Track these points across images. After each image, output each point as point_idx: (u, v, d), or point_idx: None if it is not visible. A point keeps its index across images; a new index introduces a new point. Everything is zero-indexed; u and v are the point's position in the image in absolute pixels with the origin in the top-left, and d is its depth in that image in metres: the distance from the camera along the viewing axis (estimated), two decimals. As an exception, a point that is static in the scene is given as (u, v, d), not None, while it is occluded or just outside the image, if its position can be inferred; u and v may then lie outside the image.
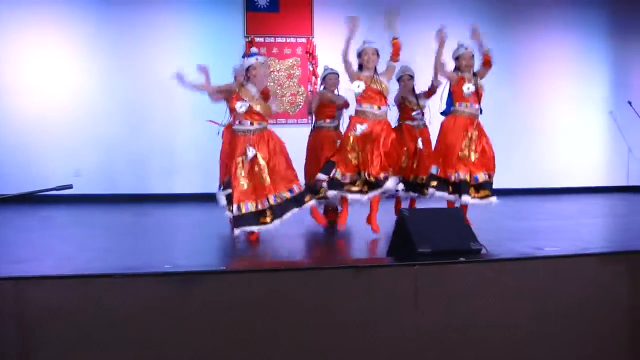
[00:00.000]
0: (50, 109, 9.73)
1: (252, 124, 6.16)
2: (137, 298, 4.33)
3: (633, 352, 5.11)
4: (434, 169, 6.79)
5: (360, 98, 6.44)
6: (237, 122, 6.24)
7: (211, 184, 7.77)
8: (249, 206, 6.04)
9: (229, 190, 6.17)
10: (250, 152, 6.06)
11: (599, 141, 11.65)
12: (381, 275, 4.73)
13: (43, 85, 9.76)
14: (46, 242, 6.36)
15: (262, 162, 6.08)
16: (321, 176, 6.44)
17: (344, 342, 4.56)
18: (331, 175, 6.36)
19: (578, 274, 5.03)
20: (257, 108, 6.13)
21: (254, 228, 6.06)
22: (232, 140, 6.33)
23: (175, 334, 4.35)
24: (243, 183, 6.07)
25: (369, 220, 6.55)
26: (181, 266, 4.76)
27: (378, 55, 6.53)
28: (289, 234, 6.49)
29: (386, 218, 6.48)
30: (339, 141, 6.82)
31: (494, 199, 6.70)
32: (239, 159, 6.10)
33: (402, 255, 4.97)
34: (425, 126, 7.64)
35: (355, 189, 6.40)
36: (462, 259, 4.84)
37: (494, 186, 6.84)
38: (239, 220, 6.03)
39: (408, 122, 7.63)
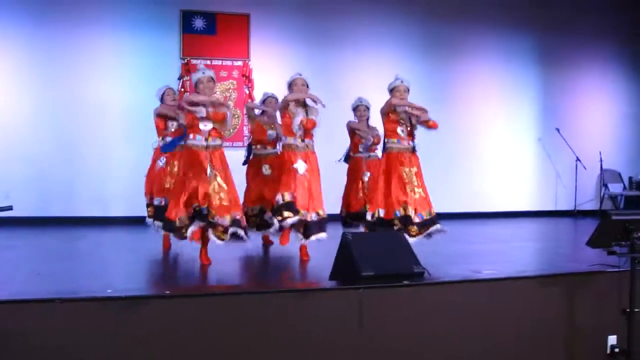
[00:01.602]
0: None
1: (206, 139, 6.11)
2: (77, 324, 4.21)
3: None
4: (380, 212, 6.63)
5: (287, 132, 6.53)
6: (191, 136, 6.14)
7: (144, 207, 7.63)
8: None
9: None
10: (210, 170, 6.02)
11: (529, 167, 11.96)
12: (326, 299, 4.73)
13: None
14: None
15: (221, 181, 6.05)
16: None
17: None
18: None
19: (517, 295, 5.15)
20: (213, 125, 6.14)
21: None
22: (185, 154, 6.23)
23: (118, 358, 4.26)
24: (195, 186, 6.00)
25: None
26: (121, 290, 4.65)
27: (307, 86, 6.61)
28: (230, 258, 6.45)
29: (325, 243, 6.44)
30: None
31: (437, 225, 6.61)
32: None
33: (346, 279, 4.98)
34: (376, 158, 7.66)
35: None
36: (405, 282, 4.89)
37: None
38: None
39: (358, 155, 7.74)
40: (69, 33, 9.74)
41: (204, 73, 6.27)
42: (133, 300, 4.39)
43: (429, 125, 6.68)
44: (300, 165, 6.39)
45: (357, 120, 7.80)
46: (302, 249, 6.53)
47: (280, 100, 7.02)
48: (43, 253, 7.21)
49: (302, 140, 6.51)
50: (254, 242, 7.33)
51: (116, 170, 9.73)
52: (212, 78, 6.28)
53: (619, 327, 5.04)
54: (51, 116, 9.68)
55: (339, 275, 5.11)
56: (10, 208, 4.09)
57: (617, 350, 5.20)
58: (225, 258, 6.39)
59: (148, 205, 7.38)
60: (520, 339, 5.10)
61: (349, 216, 7.70)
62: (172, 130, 7.18)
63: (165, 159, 7.19)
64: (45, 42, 9.66)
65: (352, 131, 7.79)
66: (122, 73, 9.87)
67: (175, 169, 6.88)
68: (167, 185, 7.03)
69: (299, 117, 6.43)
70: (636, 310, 4.90)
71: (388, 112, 6.68)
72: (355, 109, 7.81)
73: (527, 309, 5.14)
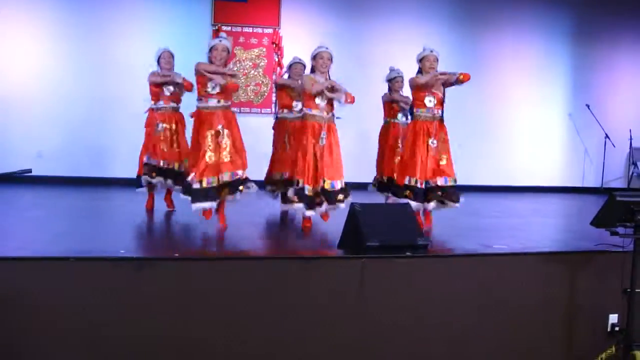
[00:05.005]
0: (14, 91, 9.74)
1: (218, 101, 6.22)
2: (90, 282, 4.42)
3: (566, 346, 5.37)
4: (406, 180, 6.57)
5: (312, 103, 6.32)
6: (202, 100, 6.25)
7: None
8: (211, 180, 6.09)
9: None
10: (220, 128, 6.14)
11: (558, 142, 11.94)
12: (329, 266, 4.88)
13: (7, 68, 9.77)
14: (8, 224, 6.34)
15: (227, 139, 6.16)
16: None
17: (290, 330, 4.71)
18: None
19: (519, 271, 5.24)
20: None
21: (212, 204, 6.12)
22: (196, 118, 6.32)
23: (128, 317, 4.46)
24: (210, 155, 6.11)
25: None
26: (135, 251, 4.86)
27: (332, 60, 6.45)
28: (242, 223, 6.57)
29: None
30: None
31: (457, 204, 6.61)
32: (208, 133, 6.13)
33: (352, 248, 5.13)
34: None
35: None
36: (408, 253, 5.01)
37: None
38: (199, 195, 6.07)
39: (395, 120, 7.92)
40: (102, -1, 9.95)
41: (220, 41, 6.28)
42: (143, 261, 4.59)
43: (460, 80, 6.50)
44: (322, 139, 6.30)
45: (389, 92, 7.96)
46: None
47: (307, 68, 7.02)
48: (69, 212, 7.44)
49: (328, 113, 6.34)
50: (273, 207, 7.52)
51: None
52: (228, 49, 6.31)
53: (620, 306, 5.12)
54: (84, 80, 9.93)
55: (347, 244, 5.26)
56: (29, 171, 4.21)
57: (617, 328, 5.28)
58: (241, 223, 6.55)
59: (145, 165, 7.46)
60: (521, 315, 5.19)
61: (384, 181, 7.87)
62: (168, 94, 7.31)
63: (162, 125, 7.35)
64: (78, 8, 9.91)
65: (390, 101, 7.93)
66: (154, 39, 9.94)
67: (168, 132, 7.26)
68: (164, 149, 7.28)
69: (324, 102, 6.34)
70: (637, 290, 4.97)
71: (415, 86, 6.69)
72: (391, 80, 7.92)
73: (529, 286, 5.22)
